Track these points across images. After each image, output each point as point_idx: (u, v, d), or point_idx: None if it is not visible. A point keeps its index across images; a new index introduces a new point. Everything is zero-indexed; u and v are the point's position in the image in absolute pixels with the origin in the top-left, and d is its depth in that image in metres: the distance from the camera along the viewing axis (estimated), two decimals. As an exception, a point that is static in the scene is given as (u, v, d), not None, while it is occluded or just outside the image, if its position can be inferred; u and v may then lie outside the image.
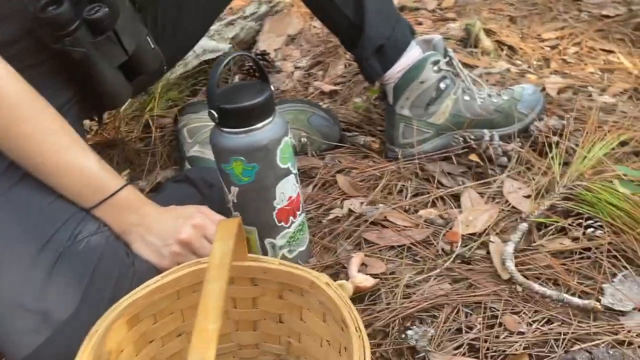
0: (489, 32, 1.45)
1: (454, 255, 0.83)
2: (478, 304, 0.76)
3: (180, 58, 1.11)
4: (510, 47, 1.43)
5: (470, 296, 0.77)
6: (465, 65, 1.34)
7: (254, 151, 0.72)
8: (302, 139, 1.10)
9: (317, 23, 1.66)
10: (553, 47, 1.42)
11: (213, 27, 1.52)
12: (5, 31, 0.73)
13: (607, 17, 1.53)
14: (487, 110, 1.04)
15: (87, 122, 1.07)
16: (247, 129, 0.72)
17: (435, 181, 0.99)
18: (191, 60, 1.44)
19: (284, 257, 0.80)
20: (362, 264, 0.83)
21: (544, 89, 1.19)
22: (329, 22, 1.07)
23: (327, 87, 1.37)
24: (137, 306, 0.57)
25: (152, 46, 0.82)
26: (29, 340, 0.65)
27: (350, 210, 0.94)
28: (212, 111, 0.72)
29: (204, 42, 1.50)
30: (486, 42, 1.41)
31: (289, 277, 0.59)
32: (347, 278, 0.80)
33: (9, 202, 0.69)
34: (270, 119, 0.73)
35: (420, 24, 1.62)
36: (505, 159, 1.01)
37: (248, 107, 0.71)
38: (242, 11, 1.69)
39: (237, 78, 1.46)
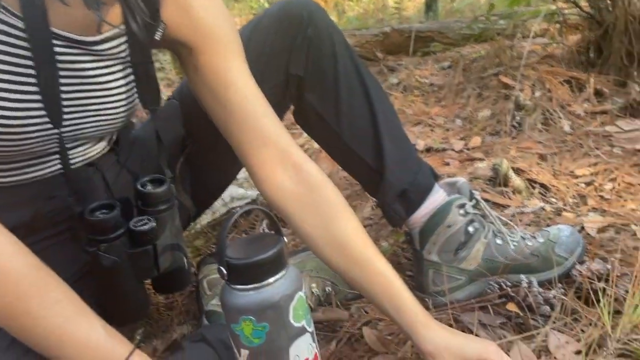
0: (518, 171, 1.42)
1: None
2: None
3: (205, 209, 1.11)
4: (543, 185, 1.38)
5: None
6: (496, 205, 1.30)
7: (264, 309, 0.66)
8: (327, 289, 1.04)
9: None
10: (588, 184, 1.37)
11: (241, 175, 1.56)
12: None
13: (642, 150, 1.49)
14: (523, 254, 0.97)
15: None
16: (256, 285, 0.67)
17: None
18: (219, 207, 1.45)
19: None
20: None
21: (582, 229, 1.12)
22: (349, 168, 1.07)
23: (354, 231, 1.33)
24: None
25: (186, 266, 0.80)
26: None
27: (377, 371, 0.85)
28: (221, 267, 0.68)
29: (232, 190, 1.52)
30: (516, 181, 1.37)
31: None
32: None
33: None
34: (282, 273, 0.69)
35: (447, 164, 1.62)
36: (547, 308, 0.91)
37: (257, 262, 0.67)
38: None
39: (264, 224, 1.45)
